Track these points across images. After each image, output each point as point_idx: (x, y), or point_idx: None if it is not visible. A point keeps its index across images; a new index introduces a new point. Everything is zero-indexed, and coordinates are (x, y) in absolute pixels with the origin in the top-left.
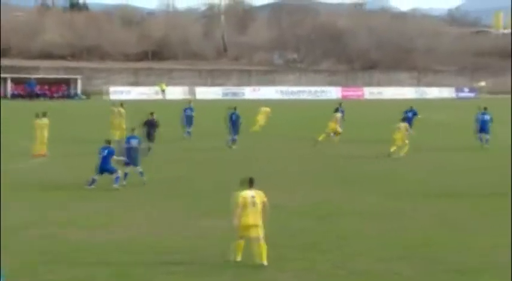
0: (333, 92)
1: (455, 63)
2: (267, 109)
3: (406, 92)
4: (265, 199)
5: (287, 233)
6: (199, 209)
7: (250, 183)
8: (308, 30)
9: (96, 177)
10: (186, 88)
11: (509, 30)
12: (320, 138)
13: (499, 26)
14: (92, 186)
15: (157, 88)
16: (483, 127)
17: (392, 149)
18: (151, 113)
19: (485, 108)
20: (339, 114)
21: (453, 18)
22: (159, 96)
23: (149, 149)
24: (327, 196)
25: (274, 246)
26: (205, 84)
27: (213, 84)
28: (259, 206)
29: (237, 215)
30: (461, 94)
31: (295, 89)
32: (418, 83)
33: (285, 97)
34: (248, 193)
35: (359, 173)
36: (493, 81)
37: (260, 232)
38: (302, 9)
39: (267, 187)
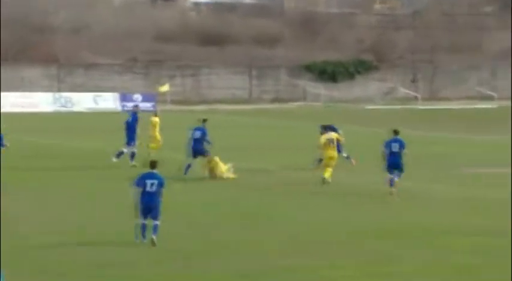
0: None
1: (120, 52)
2: (156, 119)
3: (39, 102)
4: None
5: None
6: None
7: None
8: None
9: None
10: None
11: None
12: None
13: None
14: None
15: None
16: (196, 149)
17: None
18: None
19: (204, 120)
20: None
21: None
22: None
23: None
24: None
25: None
26: None
27: None
28: None
29: None
30: (130, 104)
31: None
32: (59, 86)
33: None
34: None
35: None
36: (183, 82)
37: None
38: None
39: None
